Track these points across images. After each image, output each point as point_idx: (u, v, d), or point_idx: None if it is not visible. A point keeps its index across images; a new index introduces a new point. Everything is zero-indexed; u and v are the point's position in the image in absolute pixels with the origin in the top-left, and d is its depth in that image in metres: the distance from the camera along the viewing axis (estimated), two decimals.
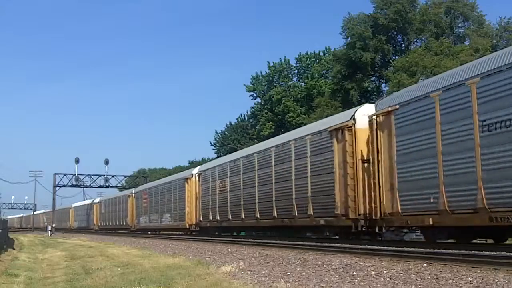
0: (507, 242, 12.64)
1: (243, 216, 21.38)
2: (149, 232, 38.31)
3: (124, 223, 43.94)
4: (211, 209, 24.89)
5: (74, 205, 69.49)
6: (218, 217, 24.17)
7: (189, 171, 31.21)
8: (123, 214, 44.53)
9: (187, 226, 28.88)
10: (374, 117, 13.60)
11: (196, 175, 28.00)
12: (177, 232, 32.85)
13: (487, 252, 9.44)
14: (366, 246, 12.57)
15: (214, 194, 24.57)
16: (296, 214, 17.11)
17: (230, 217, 22.72)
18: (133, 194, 42.40)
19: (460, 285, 6.84)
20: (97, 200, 57.76)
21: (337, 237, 16.22)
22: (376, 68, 42.30)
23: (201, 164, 39.17)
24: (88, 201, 62.26)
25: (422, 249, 10.63)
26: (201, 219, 26.55)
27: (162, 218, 33.33)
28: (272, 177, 19.01)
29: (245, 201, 21.25)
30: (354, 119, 14.36)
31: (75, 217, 66.71)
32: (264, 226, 20.90)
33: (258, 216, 20.08)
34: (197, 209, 27.41)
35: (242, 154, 23.25)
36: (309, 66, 56.56)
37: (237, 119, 64.53)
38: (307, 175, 16.41)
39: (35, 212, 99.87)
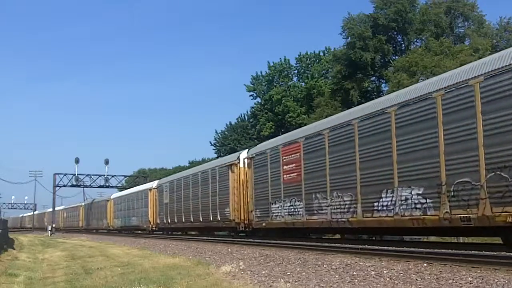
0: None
1: None
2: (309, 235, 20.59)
3: (218, 218, 24.30)
4: None
5: (114, 196, 49.64)
6: None
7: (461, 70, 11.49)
8: (216, 202, 24.47)
9: None
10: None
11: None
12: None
13: (487, 252, 9.44)
14: (366, 246, 12.58)
15: None
16: None
17: None
18: (244, 161, 22.24)
19: (460, 285, 6.84)
20: (154, 184, 37.48)
21: None
22: (376, 68, 42.27)
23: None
24: (140, 188, 42.64)
25: (422, 249, 10.63)
26: None
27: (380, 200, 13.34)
28: None
29: None
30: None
31: (116, 214, 47.25)
32: None
33: None
34: None
35: None
36: (309, 66, 56.57)
37: (237, 119, 64.57)
38: None
39: (56, 208, 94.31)
